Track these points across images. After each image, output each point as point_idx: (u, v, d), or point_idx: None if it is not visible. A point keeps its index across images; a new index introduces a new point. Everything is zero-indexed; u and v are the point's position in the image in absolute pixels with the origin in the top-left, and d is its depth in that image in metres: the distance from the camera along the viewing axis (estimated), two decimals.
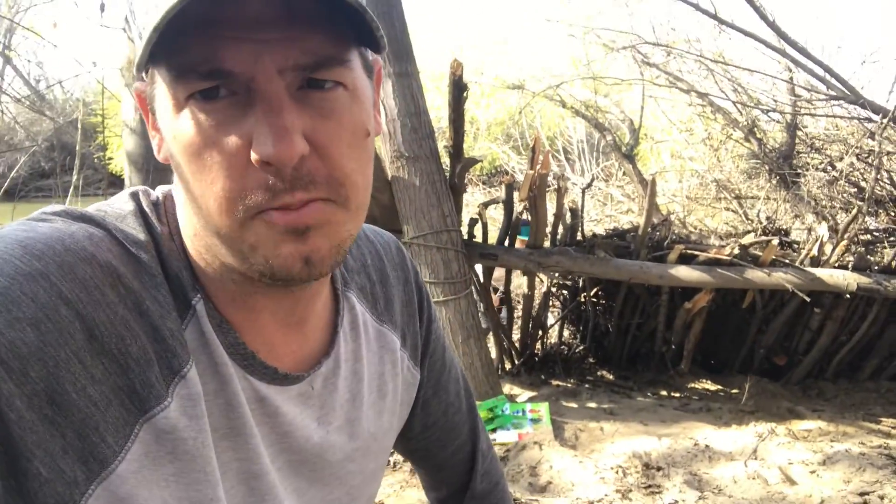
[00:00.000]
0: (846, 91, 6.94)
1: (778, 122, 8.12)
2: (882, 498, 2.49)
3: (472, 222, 3.52)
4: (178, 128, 0.47)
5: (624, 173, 8.58)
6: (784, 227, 6.91)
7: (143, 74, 0.50)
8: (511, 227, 3.52)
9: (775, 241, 3.53)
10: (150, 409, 0.48)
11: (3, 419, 0.40)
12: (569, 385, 3.88)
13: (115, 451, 0.45)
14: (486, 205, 3.50)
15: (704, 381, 3.98)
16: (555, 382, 3.90)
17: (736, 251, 3.43)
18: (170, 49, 0.44)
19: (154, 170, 3.78)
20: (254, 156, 0.45)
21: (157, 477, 0.48)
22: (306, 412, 0.61)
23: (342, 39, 0.47)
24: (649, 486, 2.65)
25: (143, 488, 0.46)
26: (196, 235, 0.53)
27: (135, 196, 0.57)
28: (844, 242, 3.45)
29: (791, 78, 7.63)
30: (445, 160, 3.49)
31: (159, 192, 0.59)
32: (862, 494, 2.52)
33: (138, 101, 0.54)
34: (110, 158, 14.55)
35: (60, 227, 0.48)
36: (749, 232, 6.46)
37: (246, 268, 0.50)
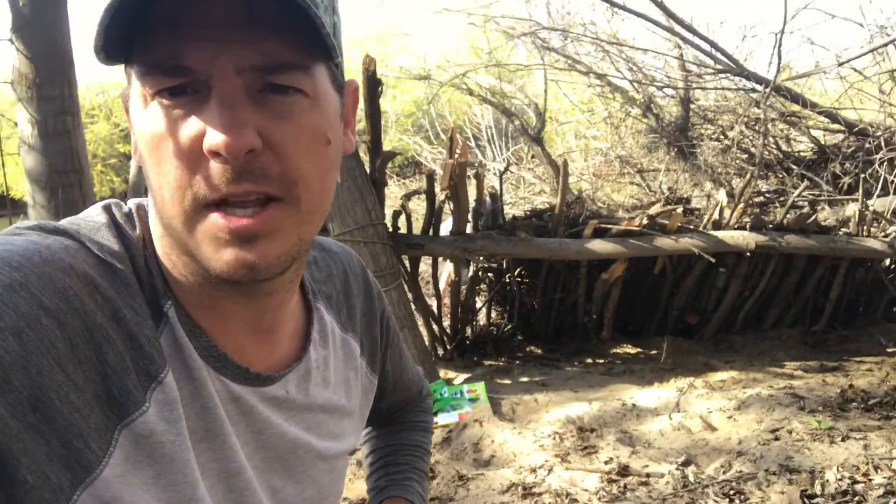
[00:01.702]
0: (731, 64, 7.41)
1: (672, 97, 8.56)
2: (790, 432, 2.75)
3: (396, 214, 3.59)
4: (143, 122, 0.49)
5: (533, 156, 8.82)
6: (685, 195, 7.35)
7: (126, 76, 0.53)
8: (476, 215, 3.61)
9: (679, 209, 3.78)
10: (129, 415, 0.49)
11: None
12: (500, 364, 4.02)
13: (99, 457, 0.46)
14: (408, 196, 3.57)
15: (625, 345, 4.22)
16: (487, 362, 4.04)
17: (645, 222, 3.65)
18: (139, 46, 0.46)
19: (57, 186, 3.61)
20: (204, 145, 0.46)
21: (139, 480, 0.49)
22: (279, 413, 0.62)
23: (303, 48, 0.48)
24: (585, 448, 2.81)
25: (126, 492, 0.48)
26: (162, 237, 0.54)
27: (107, 208, 0.57)
28: (741, 205, 3.73)
29: (681, 55, 8.06)
30: (363, 155, 3.54)
31: (131, 204, 0.59)
32: (773, 431, 2.77)
33: (123, 107, 0.55)
34: None
35: (36, 240, 0.49)
36: (654, 203, 6.83)
37: (194, 266, 0.51)
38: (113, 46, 0.46)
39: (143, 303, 0.52)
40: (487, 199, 3.65)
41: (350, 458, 0.77)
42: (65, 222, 0.54)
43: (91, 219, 0.55)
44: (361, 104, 3.36)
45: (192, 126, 0.47)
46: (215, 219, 0.48)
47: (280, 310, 0.61)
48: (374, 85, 3.12)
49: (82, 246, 0.51)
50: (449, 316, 4.10)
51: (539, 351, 4.22)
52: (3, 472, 0.41)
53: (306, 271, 0.70)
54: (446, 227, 3.79)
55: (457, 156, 3.29)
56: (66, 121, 3.62)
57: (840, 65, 6.08)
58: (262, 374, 0.60)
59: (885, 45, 6.11)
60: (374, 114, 3.23)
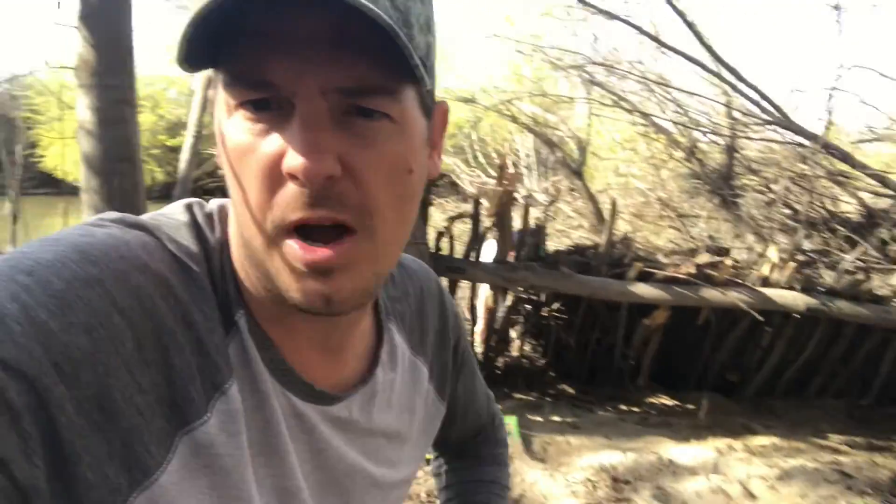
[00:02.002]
0: (779, 115, 7.31)
1: (717, 143, 8.46)
2: None
3: (439, 236, 3.53)
4: (227, 131, 0.48)
5: (572, 189, 8.76)
6: (726, 246, 7.21)
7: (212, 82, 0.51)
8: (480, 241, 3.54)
9: (729, 261, 3.67)
10: (190, 423, 0.48)
11: (53, 422, 0.40)
12: (531, 398, 3.92)
13: (158, 462, 0.45)
14: (453, 219, 3.51)
15: (661, 396, 4.09)
16: (517, 395, 3.93)
17: (692, 270, 3.55)
18: (226, 54, 0.45)
19: (111, 174, 3.63)
20: (283, 167, 0.45)
21: (195, 489, 0.48)
22: (340, 434, 0.61)
23: (392, 71, 0.46)
24: (619, 500, 2.70)
25: (181, 500, 0.47)
26: (240, 246, 0.53)
27: (189, 207, 0.57)
28: (793, 264, 3.61)
29: (728, 101, 7.99)
30: None
31: (213, 205, 0.58)
32: None
33: (209, 104, 0.54)
34: (42, 156, 13.92)
35: (116, 234, 0.49)
36: (695, 250, 6.71)
37: (269, 283, 0.50)
38: (198, 55, 0.44)
39: (215, 308, 0.51)
40: (532, 231, 3.57)
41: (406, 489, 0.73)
42: (146, 217, 0.54)
43: (173, 216, 0.55)
44: None
45: (273, 143, 0.46)
46: (294, 248, 0.47)
47: (350, 329, 0.60)
48: None
49: (160, 244, 0.51)
50: (482, 343, 4.01)
51: (571, 391, 4.11)
52: (65, 467, 0.41)
53: (381, 290, 0.68)
54: (486, 253, 3.72)
55: (506, 183, 3.22)
56: (124, 110, 3.65)
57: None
58: (328, 393, 0.58)
59: None
60: None
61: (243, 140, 0.47)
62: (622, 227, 8.32)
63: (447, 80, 12.91)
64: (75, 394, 0.41)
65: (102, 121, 3.57)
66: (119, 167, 3.57)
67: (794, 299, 3.57)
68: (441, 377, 0.76)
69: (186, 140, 4.97)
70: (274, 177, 0.46)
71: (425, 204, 3.46)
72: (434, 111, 0.55)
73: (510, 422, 3.26)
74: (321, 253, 0.47)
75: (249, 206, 0.48)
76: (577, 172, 7.99)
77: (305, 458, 0.58)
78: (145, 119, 14.12)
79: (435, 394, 0.75)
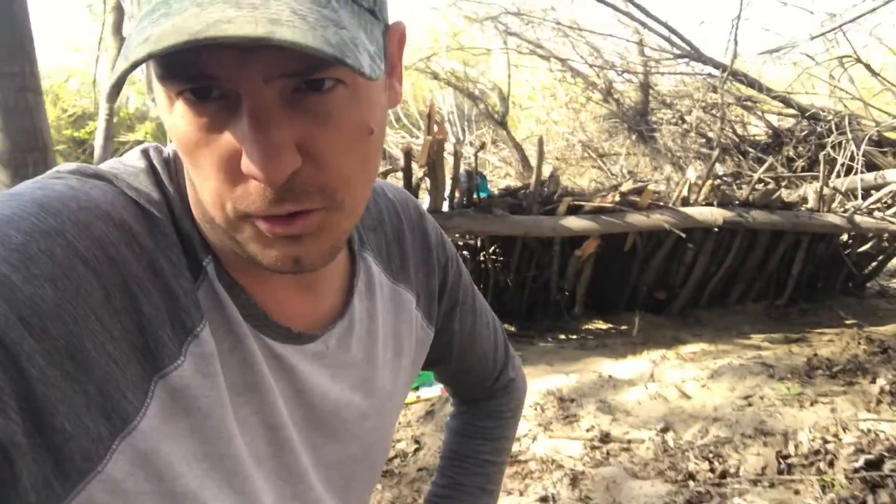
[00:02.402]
0: (689, 49, 7.57)
1: (631, 82, 8.70)
2: (762, 398, 2.86)
3: None
4: (172, 122, 0.45)
5: (496, 140, 8.87)
6: (646, 179, 7.50)
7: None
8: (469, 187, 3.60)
9: (651, 185, 3.86)
10: (164, 367, 0.48)
11: (25, 376, 0.40)
12: None
13: (137, 408, 0.45)
14: (385, 173, 3.56)
15: (597, 321, 4.30)
16: None
17: (617, 199, 3.72)
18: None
19: (21, 165, 3.49)
20: (242, 168, 0.43)
21: (174, 433, 0.48)
22: (321, 371, 0.61)
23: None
24: (567, 417, 2.88)
25: (164, 443, 0.47)
26: (199, 204, 0.52)
27: (146, 153, 0.55)
28: (709, 182, 3.84)
29: (640, 40, 8.21)
30: None
31: (170, 149, 0.56)
32: (746, 398, 2.88)
33: (148, 90, 0.50)
34: None
35: (75, 185, 0.48)
36: (616, 186, 6.95)
37: (238, 249, 0.49)
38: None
39: (181, 254, 0.50)
40: (464, 176, 3.66)
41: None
42: (104, 166, 0.53)
43: (130, 163, 0.53)
44: None
45: (227, 140, 0.43)
46: (259, 224, 0.46)
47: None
48: None
49: (121, 192, 0.50)
50: None
51: (513, 328, 4.27)
52: (42, 419, 0.40)
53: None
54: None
55: (434, 133, 3.29)
56: (28, 98, 3.49)
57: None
58: (305, 333, 0.58)
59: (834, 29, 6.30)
60: None
61: (191, 134, 0.44)
62: (547, 171, 8.51)
63: None
64: (45, 346, 0.41)
65: (4, 111, 3.41)
66: (29, 158, 3.44)
67: (713, 214, 3.79)
68: (428, 304, 0.75)
69: (98, 125, 4.81)
70: (232, 171, 0.44)
71: None
72: (389, 33, 0.51)
73: None
74: (287, 227, 0.46)
75: (209, 193, 0.46)
76: (501, 123, 8.09)
77: (288, 395, 0.58)
78: (48, 114, 13.28)
79: (423, 319, 0.74)
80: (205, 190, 0.46)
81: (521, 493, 2.37)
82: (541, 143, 3.59)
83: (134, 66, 0.37)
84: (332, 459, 0.64)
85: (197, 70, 0.41)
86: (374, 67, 0.42)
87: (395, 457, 2.66)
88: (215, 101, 0.42)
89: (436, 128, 3.36)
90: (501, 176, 8.35)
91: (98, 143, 4.76)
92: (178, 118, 0.44)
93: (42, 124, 3.62)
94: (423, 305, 0.74)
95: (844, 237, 4.22)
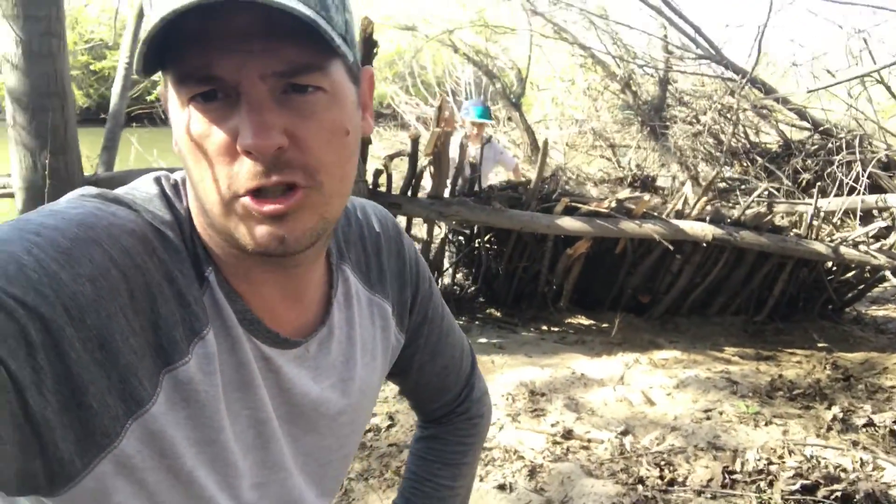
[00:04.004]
0: (712, 51, 7.58)
1: (651, 76, 8.71)
2: (721, 413, 3.02)
3: (377, 173, 3.70)
4: (182, 124, 0.54)
5: (510, 118, 8.91)
6: (652, 174, 7.58)
7: (163, 80, 0.58)
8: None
9: (647, 196, 3.98)
10: (173, 363, 0.56)
11: (66, 358, 0.48)
12: (461, 322, 4.22)
13: (150, 395, 0.54)
14: (391, 157, 3.68)
15: (580, 316, 4.45)
16: None
17: (613, 205, 3.84)
18: (173, 58, 0.52)
19: (39, 109, 3.58)
20: (238, 145, 0.52)
21: (176, 419, 0.56)
22: (304, 372, 0.69)
23: (319, 50, 0.53)
24: (535, 410, 3.04)
25: (169, 427, 0.55)
26: (200, 215, 0.61)
27: (157, 181, 0.64)
28: (704, 199, 3.94)
29: (665, 36, 8.20)
30: None
31: (177, 176, 0.65)
32: (706, 411, 3.04)
33: (163, 104, 0.62)
34: None
35: (102, 207, 0.57)
36: (622, 178, 7.03)
37: (230, 242, 0.58)
38: (147, 60, 0.51)
39: (190, 267, 0.59)
40: (468, 167, 3.78)
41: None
42: (121, 192, 0.61)
43: (144, 190, 0.62)
44: None
45: (227, 127, 0.53)
46: (249, 202, 0.54)
47: (307, 277, 0.67)
48: (369, 46, 3.19)
49: (139, 215, 0.59)
50: None
51: (498, 314, 4.43)
52: (74, 396, 0.49)
53: (338, 232, 0.75)
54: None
55: (444, 125, 3.39)
56: (52, 43, 3.56)
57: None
58: (291, 339, 0.67)
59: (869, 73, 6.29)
60: None
61: (199, 128, 0.53)
62: (556, 157, 8.58)
63: (387, 7, 12.63)
64: (82, 334, 0.49)
65: (28, 54, 3.48)
66: (48, 102, 3.52)
67: (704, 230, 3.91)
68: (401, 314, 0.83)
69: (118, 71, 4.88)
70: (230, 154, 0.53)
71: (364, 143, 3.61)
72: (361, 77, 0.62)
73: None
74: (274, 205, 0.54)
75: (210, 180, 0.54)
76: (515, 104, 8.13)
77: (274, 393, 0.67)
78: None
79: (396, 327, 0.83)
80: (204, 181, 0.55)
81: (482, 479, 2.54)
82: (545, 143, 3.70)
83: (148, 38, 0.48)
84: (309, 449, 0.73)
85: (206, 73, 0.51)
86: (349, 54, 0.55)
87: (369, 430, 2.83)
88: (219, 101, 0.52)
89: (445, 121, 3.46)
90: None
91: (116, 89, 4.84)
92: (189, 117, 0.54)
93: (64, 70, 3.68)
94: (397, 314, 0.82)
95: (829, 264, 4.33)
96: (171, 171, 0.67)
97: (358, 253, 0.78)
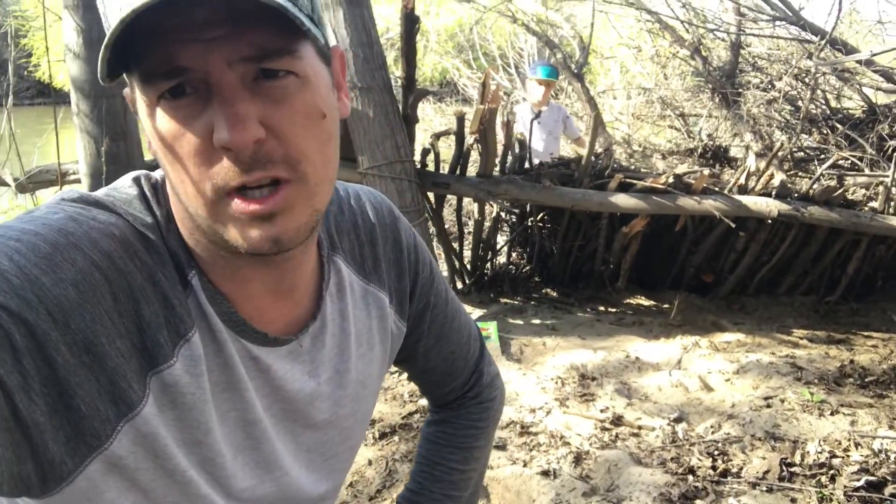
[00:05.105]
0: (788, 12, 7.13)
1: (723, 40, 8.29)
2: (783, 401, 2.87)
3: (425, 152, 3.66)
4: (153, 125, 0.53)
5: (573, 90, 8.67)
6: (724, 144, 7.24)
7: (127, 82, 0.56)
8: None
9: (706, 171, 3.78)
10: (159, 366, 0.56)
11: (52, 362, 0.48)
12: (516, 302, 4.17)
13: (140, 397, 0.54)
14: (437, 136, 3.62)
15: (639, 297, 4.32)
16: (503, 300, 4.18)
17: (670, 180, 3.67)
18: (136, 58, 0.50)
19: (100, 96, 3.69)
20: (214, 142, 0.51)
21: (165, 421, 0.57)
22: (297, 367, 0.68)
23: (287, 33, 0.51)
24: (584, 395, 2.97)
25: (160, 429, 0.56)
26: (184, 218, 0.59)
27: (137, 181, 0.63)
28: (769, 172, 3.72)
29: None
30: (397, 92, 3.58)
31: (158, 174, 0.64)
32: (766, 398, 2.89)
33: (130, 105, 0.58)
34: (36, 65, 13.75)
35: (82, 212, 0.56)
36: (692, 150, 6.75)
37: (224, 244, 0.56)
38: (111, 65, 0.50)
39: (173, 269, 0.59)
40: (516, 144, 3.68)
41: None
42: (100, 194, 0.61)
43: (124, 191, 0.62)
44: (397, 42, 3.37)
45: (200, 124, 0.51)
46: (237, 203, 0.53)
47: (297, 271, 0.66)
48: (411, 22, 3.13)
49: (120, 217, 0.58)
50: (470, 251, 4.22)
51: (554, 294, 4.34)
52: (62, 400, 0.49)
53: (329, 222, 0.74)
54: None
55: (489, 101, 3.31)
56: None
57: None
58: (280, 338, 0.66)
59: None
60: (409, 52, 3.25)
61: (170, 127, 0.52)
62: (623, 129, 8.31)
63: None
64: (67, 338, 0.49)
65: (89, 42, 3.59)
66: (108, 89, 3.64)
67: (768, 205, 3.69)
68: (400, 302, 0.82)
69: None
70: (207, 152, 0.52)
71: (410, 122, 3.57)
72: (332, 57, 0.61)
73: (490, 327, 3.51)
74: (262, 204, 0.53)
75: (191, 182, 0.53)
76: (578, 75, 7.89)
77: (265, 392, 0.66)
78: None
79: (396, 316, 0.82)
80: (185, 184, 0.54)
81: (526, 464, 2.50)
82: (596, 118, 3.57)
83: (113, 36, 0.47)
84: (311, 444, 0.73)
85: (171, 65, 0.49)
86: (319, 36, 0.52)
87: (416, 412, 2.84)
88: (188, 97, 0.51)
89: (490, 95, 3.38)
90: None
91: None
92: (157, 120, 0.52)
93: None
94: (395, 303, 0.81)
95: None
96: (152, 169, 0.65)
97: (351, 242, 0.76)
